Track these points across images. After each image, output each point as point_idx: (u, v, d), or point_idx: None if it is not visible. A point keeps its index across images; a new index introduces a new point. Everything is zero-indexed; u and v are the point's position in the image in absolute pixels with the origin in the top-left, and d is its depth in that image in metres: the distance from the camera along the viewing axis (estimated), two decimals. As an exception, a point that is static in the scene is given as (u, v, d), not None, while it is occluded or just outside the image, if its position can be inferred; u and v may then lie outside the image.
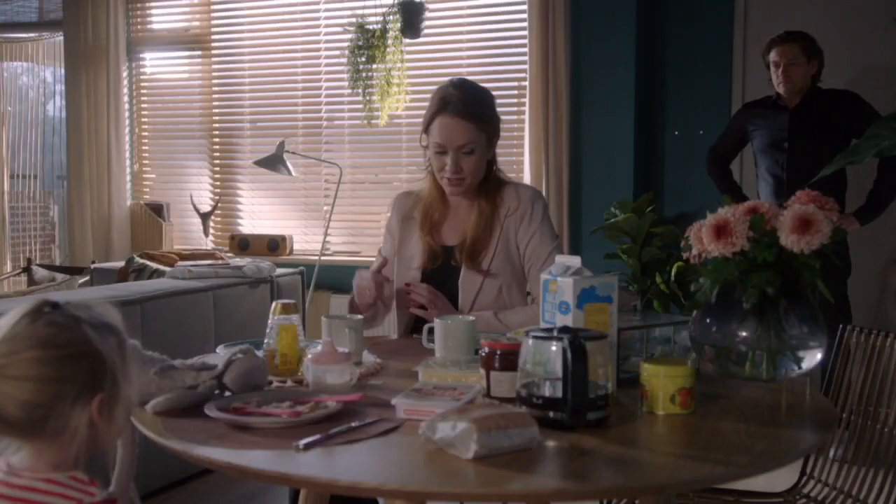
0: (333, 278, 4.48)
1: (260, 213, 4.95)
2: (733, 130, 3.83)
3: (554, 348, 1.38)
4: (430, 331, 1.86)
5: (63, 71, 5.19)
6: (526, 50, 4.14)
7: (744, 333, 1.55)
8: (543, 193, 4.07)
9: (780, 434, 1.40)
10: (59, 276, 4.78)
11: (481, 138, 2.14)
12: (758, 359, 1.55)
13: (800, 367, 1.54)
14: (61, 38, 5.16)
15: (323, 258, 4.36)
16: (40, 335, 1.08)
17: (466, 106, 2.12)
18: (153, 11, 5.12)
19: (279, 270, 3.82)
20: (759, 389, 1.61)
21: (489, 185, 2.21)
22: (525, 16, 4.14)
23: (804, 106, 3.60)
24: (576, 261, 1.63)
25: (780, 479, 1.96)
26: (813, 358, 1.53)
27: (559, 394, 1.35)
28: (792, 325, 1.53)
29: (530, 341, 1.42)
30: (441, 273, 2.18)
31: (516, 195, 2.20)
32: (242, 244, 4.78)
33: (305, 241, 4.81)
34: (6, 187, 5.56)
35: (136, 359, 1.18)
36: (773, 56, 3.59)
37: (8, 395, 1.07)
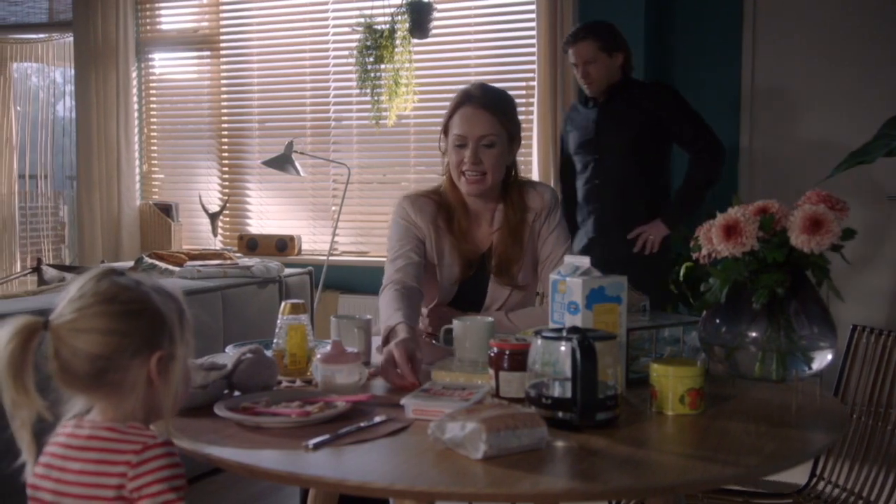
0: (342, 278, 4.49)
1: (268, 213, 4.96)
2: (562, 141, 3.70)
3: (563, 349, 1.38)
4: (447, 332, 1.86)
5: (73, 71, 5.21)
6: (534, 50, 4.13)
7: (753, 334, 1.55)
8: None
9: (791, 434, 1.40)
10: (69, 276, 4.79)
11: (503, 134, 2.09)
12: (767, 359, 1.55)
13: (810, 368, 1.54)
14: (71, 38, 5.17)
15: (331, 258, 4.36)
16: (105, 292, 1.18)
17: (488, 99, 2.09)
18: (162, 12, 5.13)
19: (287, 270, 3.82)
20: (769, 390, 1.60)
21: (514, 189, 2.16)
22: (533, 16, 4.14)
23: (612, 100, 3.41)
24: (585, 261, 1.62)
25: (789, 480, 1.96)
26: (823, 358, 1.53)
27: (568, 394, 1.35)
28: (802, 325, 1.52)
29: (539, 341, 1.42)
30: (473, 280, 2.15)
31: (539, 197, 2.16)
32: (251, 244, 4.78)
33: (314, 241, 4.81)
34: (16, 188, 5.59)
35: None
36: (570, 57, 3.43)
37: (75, 347, 1.15)
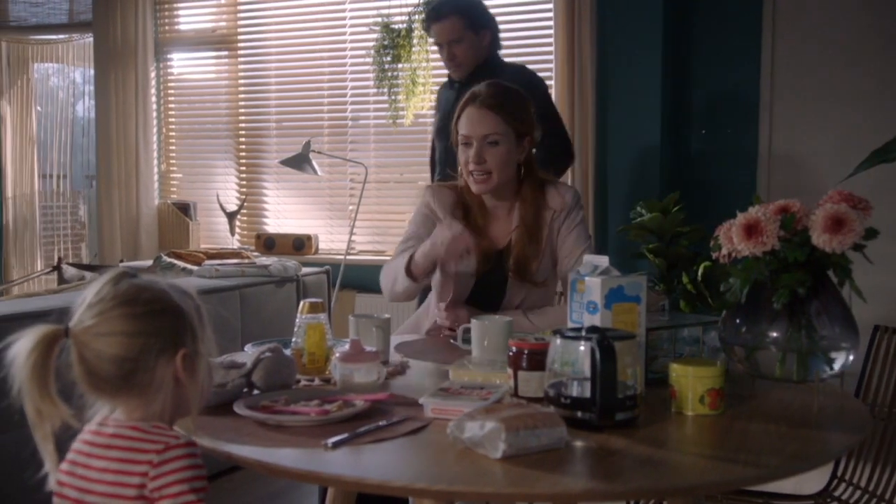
0: (358, 277, 4.49)
1: (285, 213, 4.97)
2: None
3: (582, 348, 1.37)
4: (466, 331, 1.86)
5: (92, 72, 5.24)
6: (551, 49, 4.12)
7: (774, 334, 1.54)
8: (569, 192, 4.07)
9: (812, 436, 1.38)
10: (89, 275, 4.83)
11: (508, 132, 2.10)
12: (788, 359, 1.54)
13: (831, 368, 1.52)
14: (91, 39, 5.21)
15: (348, 257, 4.37)
16: (125, 294, 1.18)
17: (493, 99, 2.10)
18: (181, 12, 5.16)
19: (305, 269, 3.83)
20: (789, 390, 1.59)
21: (528, 187, 2.16)
22: (550, 14, 4.13)
23: (475, 81, 3.23)
24: (603, 260, 1.62)
25: (809, 482, 1.94)
26: (845, 359, 1.51)
27: (587, 394, 1.35)
28: (823, 325, 1.51)
29: (558, 341, 1.41)
30: (491, 275, 2.15)
31: (560, 197, 2.17)
32: (268, 243, 4.80)
33: (331, 240, 4.82)
34: (37, 187, 5.63)
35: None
36: (432, 35, 3.10)
37: (100, 351, 1.16)
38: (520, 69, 3.17)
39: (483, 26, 3.06)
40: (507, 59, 4.32)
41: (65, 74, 5.70)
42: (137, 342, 1.17)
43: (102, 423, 1.20)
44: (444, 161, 3.14)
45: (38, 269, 5.55)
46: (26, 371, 1.13)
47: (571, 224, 2.16)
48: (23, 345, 1.14)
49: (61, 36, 5.57)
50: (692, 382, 1.43)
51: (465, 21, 3.00)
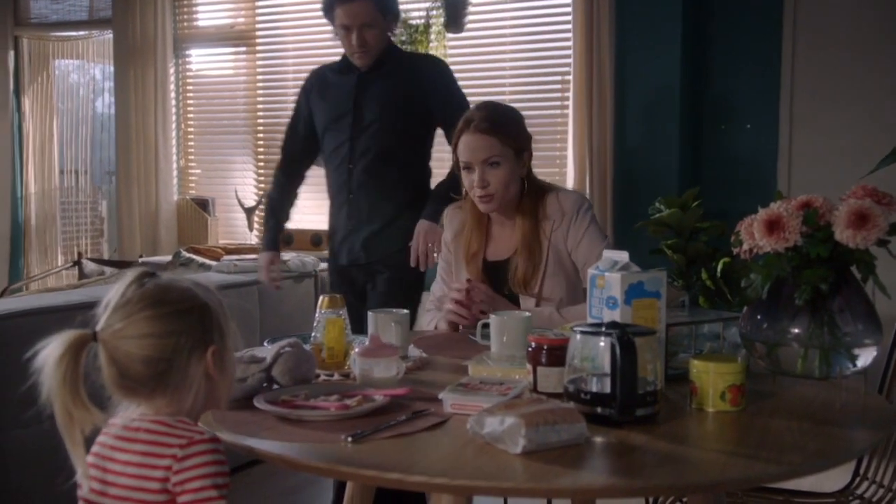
0: (376, 273, 4.49)
1: (303, 208, 4.94)
2: (297, 116, 3.05)
3: (602, 344, 1.37)
4: (484, 326, 1.86)
5: (112, 68, 5.27)
6: (570, 44, 4.10)
7: (796, 330, 1.53)
8: (587, 188, 4.05)
9: (835, 433, 1.37)
10: (108, 270, 4.86)
11: (507, 152, 2.16)
12: (810, 356, 1.53)
13: (854, 365, 1.51)
14: (110, 35, 5.24)
15: (366, 253, 4.36)
16: (152, 295, 1.19)
17: (488, 122, 2.16)
18: (199, 8, 5.18)
19: (322, 265, 3.84)
20: (811, 387, 1.58)
21: (528, 200, 2.21)
22: (569, 9, 4.11)
23: (377, 68, 2.83)
24: (623, 256, 1.61)
25: (830, 479, 1.92)
26: (868, 355, 1.50)
27: (607, 389, 1.35)
28: (846, 321, 1.50)
29: (578, 336, 1.41)
30: (505, 293, 2.19)
31: (559, 206, 2.20)
32: (286, 239, 4.80)
33: (348, 235, 4.82)
34: (57, 183, 5.68)
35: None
36: (340, 17, 2.75)
37: (131, 353, 1.16)
38: (425, 55, 3.04)
39: (391, 11, 2.84)
40: (526, 55, 4.36)
41: (84, 71, 5.74)
42: (169, 342, 1.18)
43: (127, 417, 1.21)
44: (329, 152, 2.91)
45: (59, 264, 5.59)
46: (57, 378, 1.13)
47: (579, 229, 2.18)
48: (51, 351, 1.15)
49: (81, 33, 5.60)
50: (713, 379, 1.43)
51: (378, 4, 2.76)
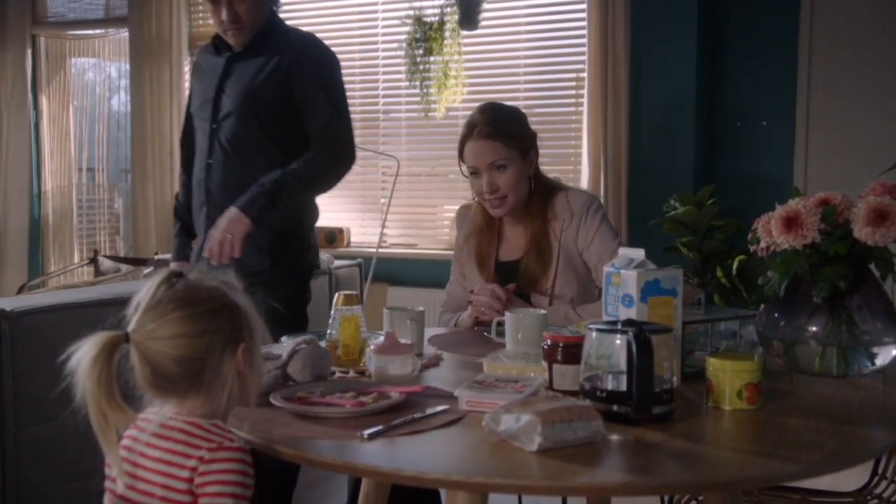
0: (390, 270, 4.51)
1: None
2: (188, 102, 2.65)
3: (618, 342, 1.36)
4: (499, 324, 1.86)
5: (127, 66, 5.30)
6: (585, 41, 4.09)
7: (814, 328, 1.52)
8: (601, 186, 4.04)
9: (853, 432, 1.36)
10: (124, 267, 4.89)
11: (513, 154, 2.16)
12: (828, 354, 1.52)
13: (873, 363, 1.50)
14: (126, 34, 5.27)
15: (380, 250, 4.38)
16: (182, 296, 1.20)
17: (491, 127, 2.17)
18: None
19: (337, 262, 3.85)
20: (829, 386, 1.57)
21: (537, 200, 2.21)
22: (584, 6, 4.10)
23: (250, 49, 2.43)
24: (639, 253, 1.60)
25: (847, 478, 1.91)
26: (887, 354, 1.49)
27: (623, 387, 1.34)
28: (865, 319, 1.49)
29: (594, 334, 1.41)
30: (518, 292, 2.19)
31: (567, 206, 2.20)
32: (301, 236, 4.82)
33: (363, 233, 4.84)
34: (74, 180, 5.72)
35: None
36: None
37: (164, 354, 1.18)
38: (309, 38, 2.49)
39: None
40: (540, 52, 4.35)
41: (101, 69, 5.77)
42: (201, 342, 1.19)
43: (163, 415, 1.22)
44: (196, 144, 2.54)
45: (76, 261, 5.63)
46: (92, 380, 1.15)
47: (590, 229, 2.17)
48: (85, 354, 1.16)
49: (97, 31, 5.63)
50: (730, 377, 1.42)
51: None
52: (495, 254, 2.26)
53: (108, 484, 1.23)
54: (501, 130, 2.16)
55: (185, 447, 1.17)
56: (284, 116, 2.40)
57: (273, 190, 2.30)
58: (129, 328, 1.20)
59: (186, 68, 5.15)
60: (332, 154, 2.43)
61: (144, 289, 1.23)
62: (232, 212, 2.29)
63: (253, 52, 2.42)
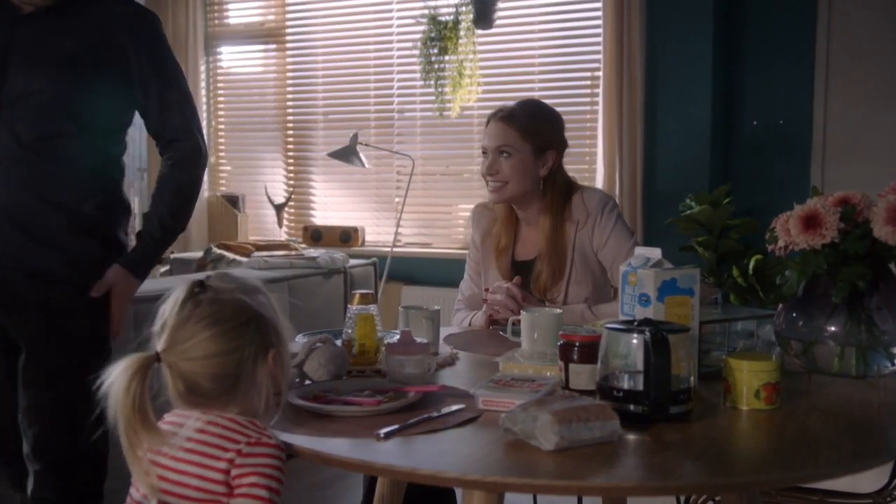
0: (405, 269, 4.51)
1: (332, 205, 5.01)
2: None
3: (635, 341, 1.36)
4: (515, 323, 1.85)
5: (144, 66, 5.33)
6: (600, 39, 4.08)
7: (832, 328, 1.51)
8: (617, 186, 4.02)
9: (873, 433, 1.35)
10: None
11: (524, 147, 2.17)
12: (847, 354, 1.50)
13: (892, 364, 1.49)
14: (142, 33, 5.30)
15: (394, 249, 4.39)
16: (209, 315, 1.22)
17: (514, 114, 2.19)
18: (230, 6, 5.22)
19: (352, 261, 3.86)
20: (848, 386, 1.55)
21: (552, 201, 2.21)
22: (599, 4, 4.09)
23: (49, 12, 1.88)
24: (656, 252, 1.60)
25: (865, 480, 1.90)
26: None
27: (640, 387, 1.34)
28: (884, 319, 1.48)
29: (611, 333, 1.40)
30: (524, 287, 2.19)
31: (583, 205, 2.20)
32: (315, 235, 4.84)
33: (377, 232, 4.84)
34: (90, 179, 5.75)
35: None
36: None
37: (198, 373, 1.21)
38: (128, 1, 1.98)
39: None
40: (555, 51, 4.34)
41: (117, 69, 5.81)
42: (234, 358, 1.22)
43: (202, 419, 1.24)
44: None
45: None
46: (128, 404, 1.16)
47: (604, 229, 2.17)
48: (119, 377, 1.17)
49: (114, 31, 5.67)
50: (747, 377, 1.41)
51: None
52: (512, 250, 2.26)
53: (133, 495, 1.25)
54: (521, 120, 2.18)
55: (223, 440, 1.20)
56: (100, 95, 1.90)
57: (161, 239, 1.99)
58: (160, 348, 1.22)
59: (202, 67, 5.17)
60: (182, 155, 1.99)
61: (169, 304, 1.24)
62: (120, 275, 1.92)
63: (53, 16, 1.88)
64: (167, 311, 1.23)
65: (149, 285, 2.05)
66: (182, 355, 1.20)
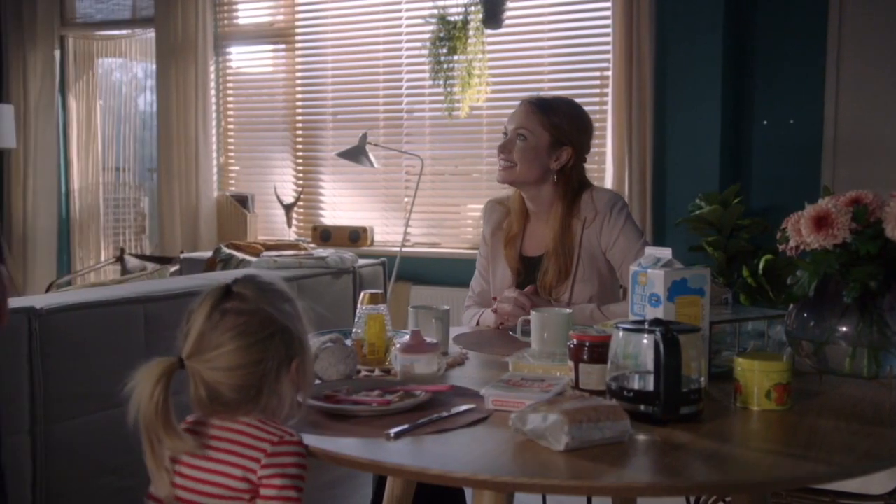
0: (414, 269, 4.51)
1: (341, 205, 5.01)
2: None
3: (645, 341, 1.36)
4: (525, 323, 1.85)
5: (154, 66, 5.35)
6: (609, 39, 4.07)
7: (844, 329, 1.50)
8: (626, 185, 4.02)
9: (885, 434, 1.34)
10: (150, 266, 4.93)
11: (542, 134, 2.18)
12: (858, 355, 1.50)
13: (905, 365, 1.48)
14: (152, 34, 5.31)
15: (403, 249, 4.39)
16: (235, 328, 1.22)
17: (541, 101, 2.21)
18: (239, 6, 5.23)
19: (361, 261, 3.86)
20: (859, 387, 1.55)
21: (562, 198, 2.21)
22: (608, 3, 4.08)
23: None
24: (666, 252, 1.59)
25: (876, 481, 1.89)
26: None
27: (649, 387, 1.33)
28: (896, 320, 1.47)
29: (621, 333, 1.40)
30: (531, 283, 2.20)
31: (592, 204, 2.20)
32: (324, 235, 4.85)
33: (386, 231, 4.85)
34: (101, 179, 5.77)
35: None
36: None
37: (221, 382, 1.21)
38: None
39: None
40: (565, 51, 4.33)
41: (127, 69, 5.82)
42: (258, 370, 1.22)
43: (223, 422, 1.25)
44: None
45: (103, 259, 5.69)
46: (152, 410, 1.18)
47: (613, 228, 2.16)
48: (143, 383, 1.18)
49: (124, 31, 5.68)
50: (758, 377, 1.40)
51: None
52: (520, 245, 2.25)
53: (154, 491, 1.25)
54: (545, 109, 2.21)
55: (247, 437, 1.21)
56: None
57: None
58: (184, 354, 1.22)
59: (212, 68, 5.18)
60: None
61: (197, 311, 1.24)
62: None
63: None
64: (194, 315, 1.24)
65: (160, 286, 2.06)
66: (206, 364, 1.21)
